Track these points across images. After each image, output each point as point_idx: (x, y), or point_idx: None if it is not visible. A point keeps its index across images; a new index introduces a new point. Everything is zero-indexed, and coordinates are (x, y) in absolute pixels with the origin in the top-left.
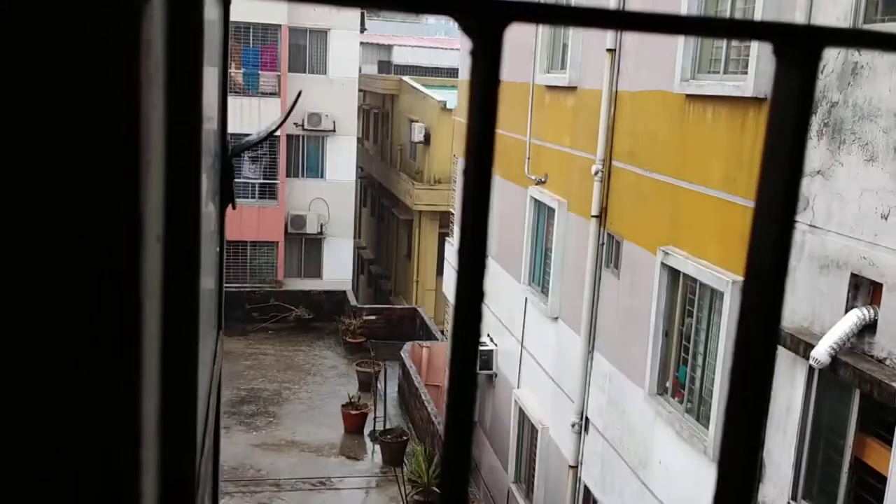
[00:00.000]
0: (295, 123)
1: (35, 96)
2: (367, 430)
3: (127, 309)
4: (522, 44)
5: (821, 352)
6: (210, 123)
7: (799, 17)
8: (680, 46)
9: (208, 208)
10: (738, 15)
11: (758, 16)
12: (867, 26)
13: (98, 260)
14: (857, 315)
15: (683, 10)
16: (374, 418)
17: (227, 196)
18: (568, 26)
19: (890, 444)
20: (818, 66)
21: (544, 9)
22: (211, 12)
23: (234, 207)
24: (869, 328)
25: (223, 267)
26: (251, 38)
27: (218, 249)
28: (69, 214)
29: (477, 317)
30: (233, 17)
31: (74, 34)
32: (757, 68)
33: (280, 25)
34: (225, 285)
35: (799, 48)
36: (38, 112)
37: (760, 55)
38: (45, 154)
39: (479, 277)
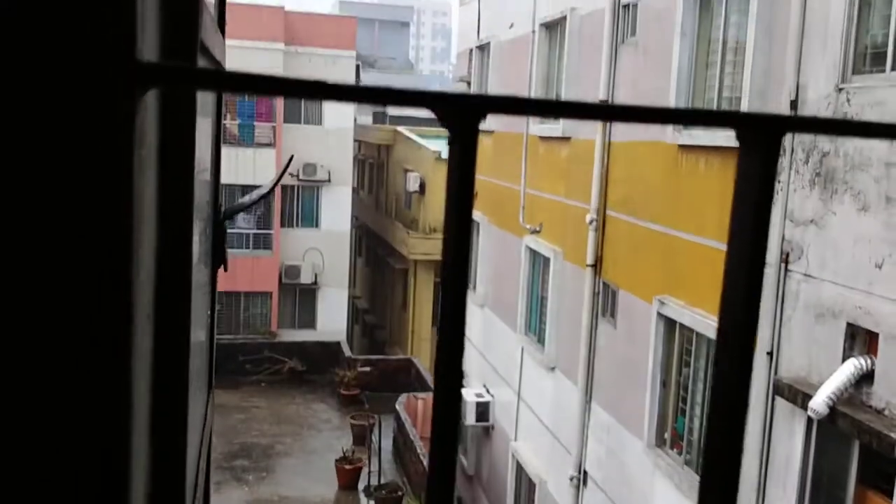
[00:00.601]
0: (290, 174)
1: (29, 184)
2: (361, 486)
3: (116, 392)
4: (516, 93)
5: (819, 402)
6: (203, 186)
7: (789, 71)
8: (672, 97)
9: (199, 271)
10: (728, 69)
11: (747, 70)
12: (855, 78)
13: (89, 343)
14: (854, 365)
15: (673, 75)
16: (369, 473)
17: (218, 258)
18: (536, 116)
19: (890, 495)
20: (778, 152)
21: (515, 102)
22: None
23: (225, 269)
24: (866, 378)
25: (214, 327)
26: None
27: (209, 312)
28: (60, 298)
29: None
30: (229, 68)
31: (69, 124)
32: None
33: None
34: (217, 337)
35: (760, 135)
36: (34, 197)
37: (752, 105)
38: (38, 240)
39: (456, 388)
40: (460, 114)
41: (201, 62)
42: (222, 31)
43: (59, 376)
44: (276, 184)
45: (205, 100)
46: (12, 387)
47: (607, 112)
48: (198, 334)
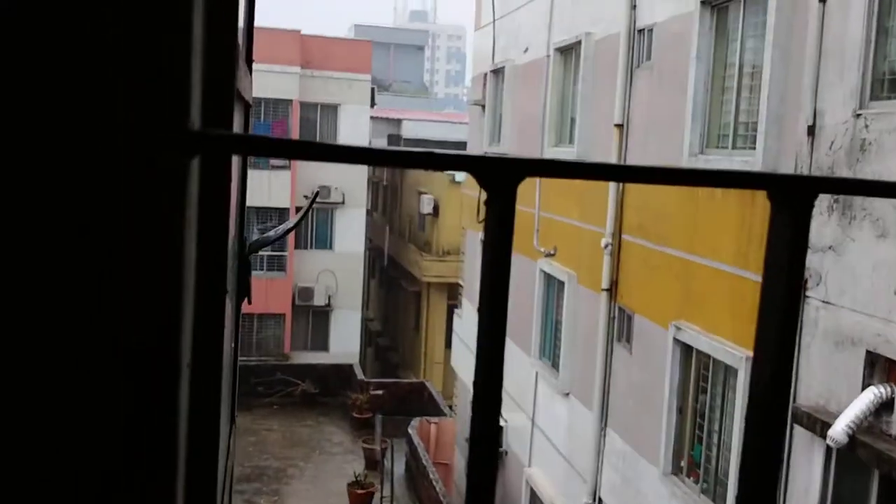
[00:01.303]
0: (305, 196)
1: (91, 247)
2: None
3: (165, 441)
4: (531, 117)
5: (838, 431)
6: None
7: (806, 97)
8: (688, 122)
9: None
10: (744, 94)
11: (764, 95)
12: (874, 104)
13: (138, 397)
14: (873, 393)
15: (689, 100)
16: (381, 498)
17: (243, 292)
18: (574, 178)
19: None
20: (810, 213)
21: (552, 165)
22: (238, 120)
23: (249, 302)
24: (886, 406)
25: (237, 362)
26: (262, 112)
27: (233, 344)
28: (116, 353)
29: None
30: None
31: (126, 192)
32: (765, 144)
33: (291, 100)
34: None
35: (792, 196)
36: (96, 260)
37: (769, 131)
38: (96, 300)
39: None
40: (499, 177)
41: (235, 107)
42: (250, 67)
43: (111, 431)
44: (301, 219)
45: None
46: (70, 443)
47: (641, 174)
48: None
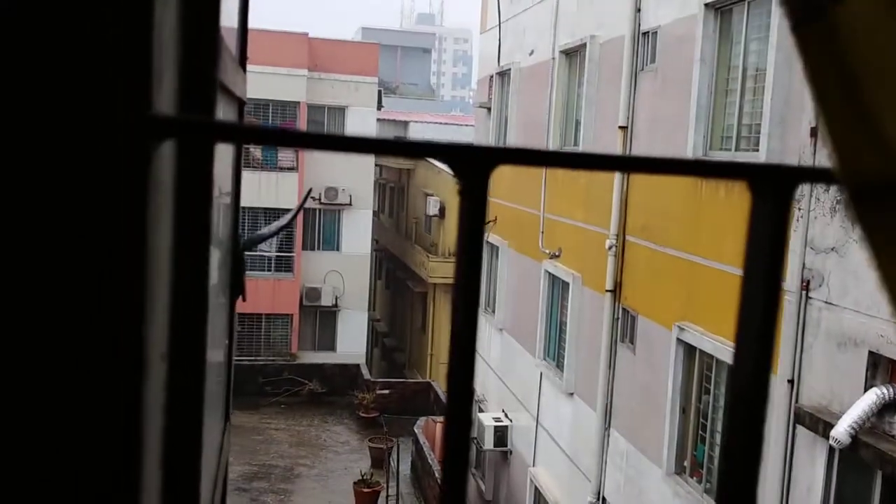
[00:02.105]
0: (312, 197)
1: (45, 234)
2: None
3: (126, 442)
4: (536, 119)
5: (840, 431)
6: (223, 216)
7: (809, 99)
8: (692, 123)
9: (217, 302)
10: (748, 96)
11: (767, 97)
12: None
13: (101, 388)
14: (876, 394)
15: (693, 102)
16: (387, 496)
17: (237, 289)
18: (547, 167)
19: None
20: (791, 204)
21: (526, 153)
22: (224, 115)
23: (244, 299)
24: (889, 407)
25: (232, 356)
26: (270, 114)
27: (227, 341)
28: (73, 343)
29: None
30: (253, 95)
31: (85, 178)
32: (769, 145)
33: (299, 102)
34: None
35: (773, 186)
36: (50, 247)
37: (772, 133)
38: (53, 286)
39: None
40: (471, 165)
41: (221, 102)
42: (244, 66)
43: (69, 422)
44: (294, 216)
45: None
46: (25, 433)
47: (619, 163)
48: (213, 367)
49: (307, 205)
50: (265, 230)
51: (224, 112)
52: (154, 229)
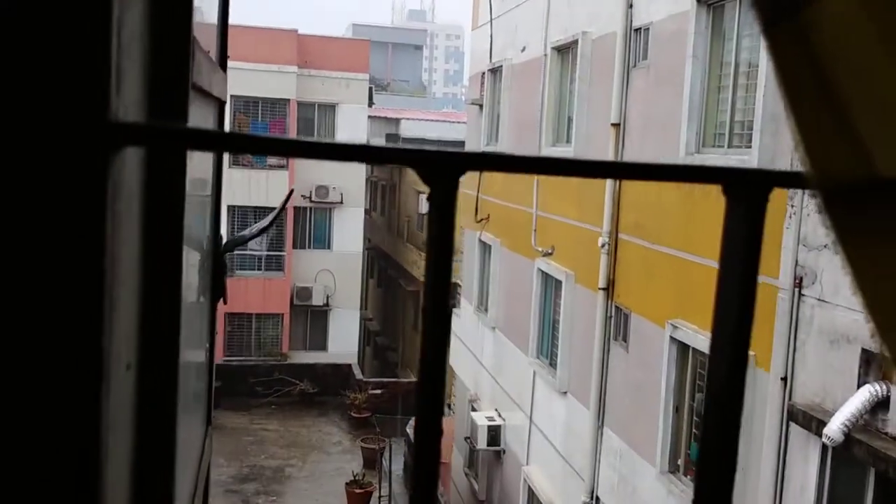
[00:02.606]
0: (303, 196)
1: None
2: None
3: (86, 441)
4: (528, 116)
5: (833, 429)
6: (202, 219)
7: None
8: (684, 120)
9: (196, 304)
10: (740, 93)
11: (760, 93)
12: None
13: (59, 401)
14: (869, 391)
15: (685, 99)
16: (379, 497)
17: (218, 292)
18: (514, 172)
19: None
20: (765, 207)
21: (493, 158)
22: (202, 117)
23: (224, 302)
24: (882, 404)
25: (213, 362)
26: (260, 112)
27: (208, 345)
28: (29, 346)
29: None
30: (242, 92)
31: (41, 185)
32: (761, 142)
33: (289, 100)
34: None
35: (747, 190)
36: (5, 254)
37: (765, 129)
38: (9, 294)
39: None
40: (439, 171)
41: (197, 104)
42: (224, 65)
43: (23, 435)
44: (275, 218)
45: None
46: None
47: (590, 168)
48: (193, 371)
49: (298, 203)
50: (246, 232)
51: (201, 114)
52: (116, 238)
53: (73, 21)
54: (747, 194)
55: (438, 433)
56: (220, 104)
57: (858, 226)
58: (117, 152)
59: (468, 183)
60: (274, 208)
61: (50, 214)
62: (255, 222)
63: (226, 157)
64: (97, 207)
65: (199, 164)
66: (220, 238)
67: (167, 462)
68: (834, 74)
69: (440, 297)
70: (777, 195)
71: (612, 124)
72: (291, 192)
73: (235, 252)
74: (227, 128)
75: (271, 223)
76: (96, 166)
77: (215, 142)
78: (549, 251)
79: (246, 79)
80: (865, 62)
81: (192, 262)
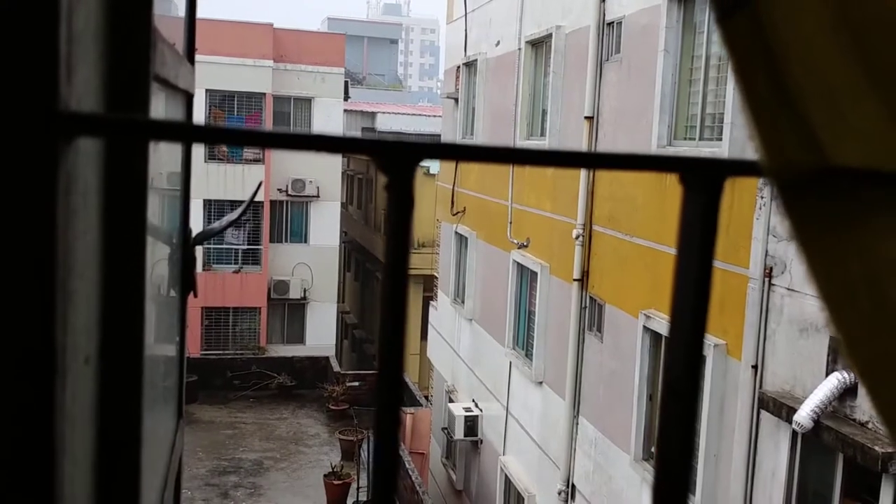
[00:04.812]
0: (279, 189)
1: None
2: (350, 501)
3: (40, 433)
4: (503, 110)
5: (803, 416)
6: (170, 212)
7: None
8: (656, 113)
9: (165, 298)
10: (711, 86)
11: (731, 86)
12: None
13: (5, 396)
14: (837, 378)
15: (657, 92)
16: (358, 488)
17: (187, 285)
18: (468, 162)
19: None
20: (720, 196)
21: (447, 148)
22: (170, 111)
23: (195, 295)
24: (850, 391)
25: (184, 356)
26: (236, 106)
27: (178, 338)
28: None
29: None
30: (218, 86)
31: None
32: (731, 134)
33: (264, 94)
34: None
35: (702, 179)
36: None
37: (735, 122)
38: None
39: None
40: (395, 161)
41: (160, 95)
42: (192, 58)
43: None
44: (245, 210)
45: (171, 145)
46: None
47: (547, 157)
48: (160, 361)
49: (275, 197)
50: (216, 224)
51: (167, 106)
52: (71, 230)
53: (17, 6)
54: (703, 183)
55: (398, 408)
56: (188, 97)
57: (811, 214)
58: (69, 143)
59: (444, 176)
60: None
61: (3, 206)
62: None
63: (201, 151)
64: (46, 198)
65: (167, 155)
66: (190, 231)
67: (132, 455)
68: (786, 62)
69: (397, 285)
70: (747, 187)
71: (586, 117)
72: (260, 184)
73: (212, 246)
74: (192, 152)
75: (241, 215)
76: (45, 157)
77: (171, 132)
78: (525, 243)
79: (221, 73)
80: (817, 49)
81: (160, 255)
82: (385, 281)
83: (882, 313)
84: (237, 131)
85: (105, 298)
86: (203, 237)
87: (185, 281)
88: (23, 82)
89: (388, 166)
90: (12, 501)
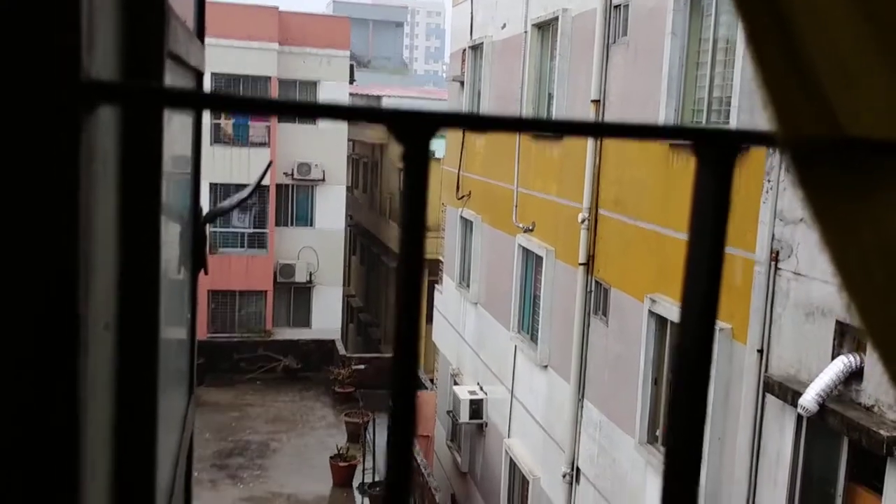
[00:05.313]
0: (285, 173)
1: None
2: (356, 483)
3: (64, 410)
4: (509, 93)
5: (808, 399)
6: (182, 189)
7: None
8: (663, 96)
9: (176, 274)
10: (718, 69)
11: (738, 69)
12: None
13: (30, 359)
14: (843, 362)
15: (664, 75)
16: (364, 470)
17: (198, 262)
18: (486, 132)
19: (880, 492)
20: (733, 166)
21: (464, 118)
22: (183, 86)
23: (205, 273)
24: (856, 375)
25: (195, 333)
26: (241, 89)
27: (189, 315)
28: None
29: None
30: (224, 69)
31: (10, 140)
32: (738, 117)
33: (270, 77)
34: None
35: (715, 149)
36: None
37: (742, 105)
38: None
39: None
40: (412, 130)
41: (172, 72)
42: (202, 37)
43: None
44: (255, 188)
45: (182, 120)
46: None
47: (557, 127)
48: (172, 338)
49: (280, 181)
50: (225, 203)
51: (178, 83)
52: (92, 198)
53: None
54: (716, 153)
55: (414, 386)
56: (198, 75)
57: (824, 184)
58: (91, 111)
59: (450, 160)
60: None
61: (24, 172)
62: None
63: (206, 134)
64: (71, 164)
65: (177, 134)
66: (200, 209)
67: (149, 419)
68: (800, 33)
69: (414, 254)
70: (754, 172)
71: (592, 101)
72: (270, 163)
73: (219, 230)
74: (203, 127)
75: (251, 194)
76: (70, 124)
77: (186, 100)
78: (530, 227)
79: (227, 56)
80: (831, 20)
81: (171, 232)
82: (402, 248)
83: (895, 282)
84: (252, 100)
85: (122, 267)
86: (213, 215)
87: (196, 258)
88: (48, 51)
89: (404, 135)
90: (38, 457)
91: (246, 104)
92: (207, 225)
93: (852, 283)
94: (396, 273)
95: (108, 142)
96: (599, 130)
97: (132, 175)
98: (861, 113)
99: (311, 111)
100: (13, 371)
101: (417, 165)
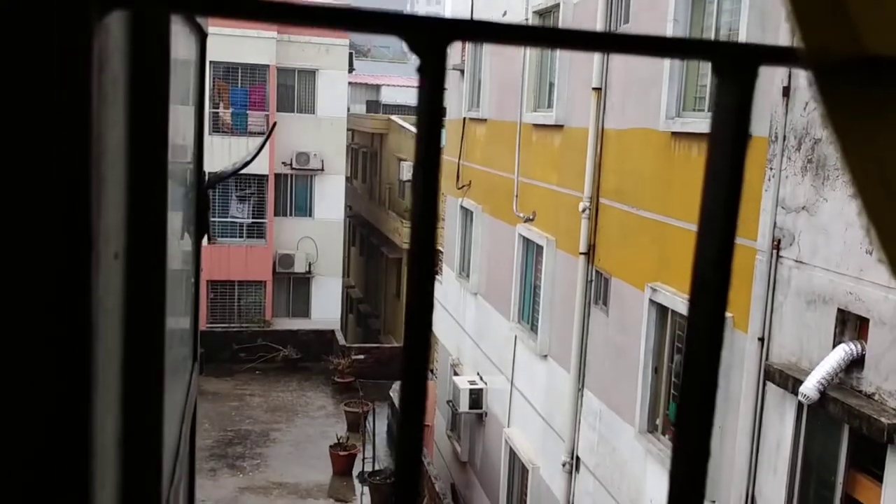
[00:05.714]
0: (283, 163)
1: None
2: (355, 472)
3: (76, 330)
4: (510, 82)
5: (809, 387)
6: (186, 156)
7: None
8: (665, 84)
9: (184, 240)
10: (725, 24)
11: (743, 27)
12: None
13: (43, 276)
14: (844, 350)
15: (666, 63)
16: (363, 459)
17: (202, 228)
18: (506, 44)
19: (880, 479)
20: (754, 83)
21: (483, 26)
22: (185, 48)
23: (209, 240)
24: (857, 363)
25: (199, 300)
26: (240, 78)
27: (193, 281)
28: (11, 229)
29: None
30: (221, 58)
31: (22, 47)
32: None
33: (268, 66)
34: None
35: (736, 66)
36: None
37: None
38: None
39: (428, 294)
40: (427, 39)
41: (180, 31)
42: None
43: (13, 319)
44: (258, 152)
45: (186, 70)
46: None
47: (574, 38)
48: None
49: (279, 170)
50: (228, 168)
51: (184, 44)
52: (102, 118)
53: None
54: (736, 68)
55: (425, 367)
56: (203, 37)
57: (846, 102)
58: (101, 18)
59: (450, 149)
60: (255, 175)
61: (36, 79)
62: (235, 188)
63: (205, 123)
64: (82, 73)
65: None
66: (204, 174)
67: (156, 348)
68: None
69: (430, 174)
70: (755, 159)
71: (594, 89)
72: (275, 124)
73: (217, 220)
74: (206, 90)
75: (254, 157)
76: (81, 29)
77: (195, 4)
78: (531, 217)
79: (225, 44)
80: None
81: (176, 196)
82: (416, 171)
83: None
84: (267, 4)
85: (132, 192)
86: (216, 179)
87: (200, 223)
88: None
89: (420, 46)
90: (53, 370)
91: (256, 8)
92: (210, 189)
93: (872, 202)
94: (412, 185)
95: (117, 59)
96: (620, 45)
97: (141, 92)
98: (885, 32)
99: (318, 18)
100: (25, 286)
101: (433, 76)
